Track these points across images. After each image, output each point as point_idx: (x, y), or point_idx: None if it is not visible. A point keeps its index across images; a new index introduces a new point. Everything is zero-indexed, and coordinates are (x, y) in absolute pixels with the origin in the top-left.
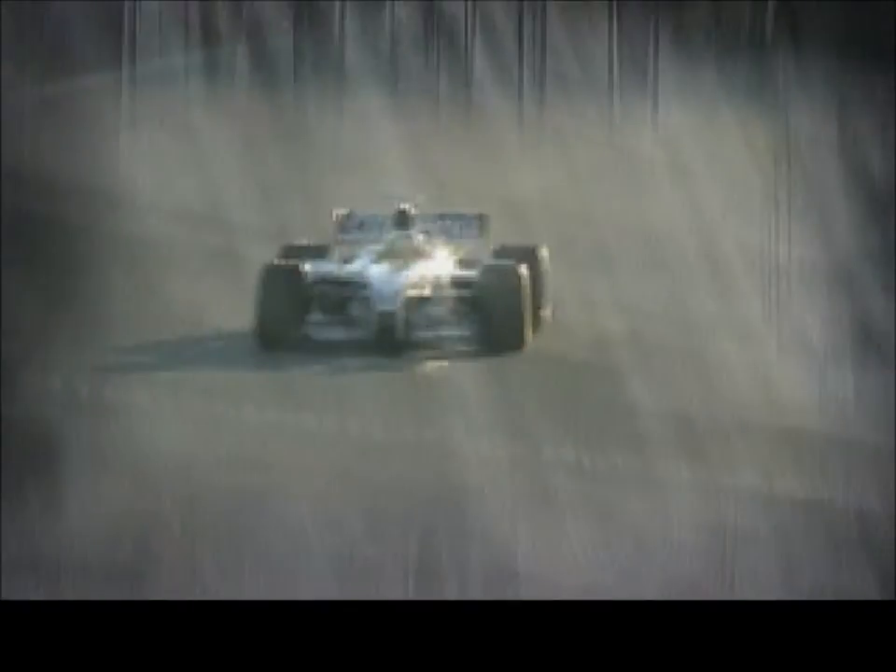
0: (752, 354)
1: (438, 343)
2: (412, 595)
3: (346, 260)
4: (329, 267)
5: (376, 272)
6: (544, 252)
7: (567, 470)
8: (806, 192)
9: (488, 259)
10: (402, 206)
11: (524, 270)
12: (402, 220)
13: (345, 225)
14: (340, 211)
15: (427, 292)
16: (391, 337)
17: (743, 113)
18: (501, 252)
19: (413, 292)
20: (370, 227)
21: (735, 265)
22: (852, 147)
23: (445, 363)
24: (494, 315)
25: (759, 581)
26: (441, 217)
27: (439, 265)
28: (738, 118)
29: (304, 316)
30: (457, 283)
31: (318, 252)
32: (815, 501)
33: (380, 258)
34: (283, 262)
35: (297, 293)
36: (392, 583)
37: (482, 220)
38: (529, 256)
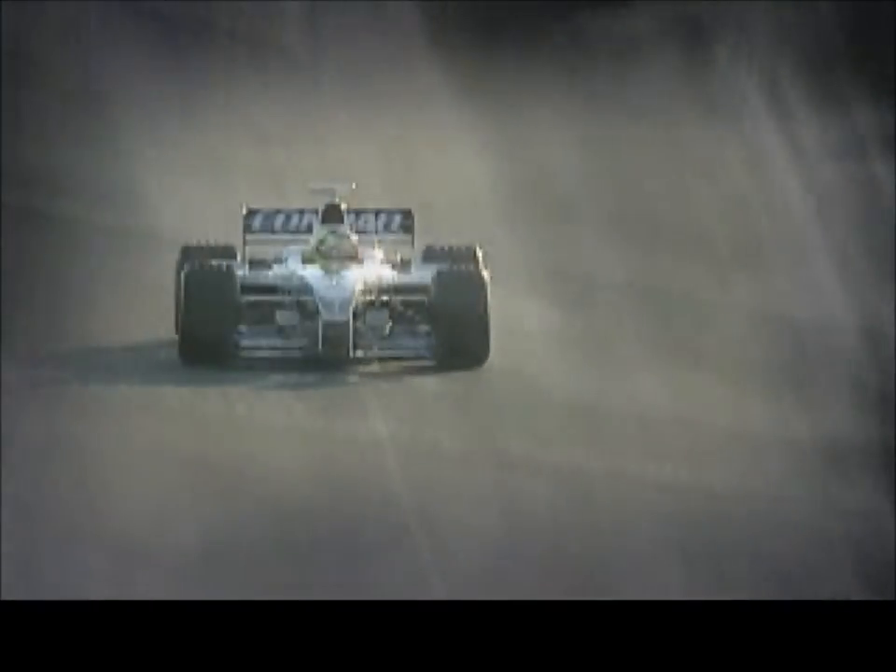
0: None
1: (389, 356)
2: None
3: (253, 262)
4: (262, 270)
5: (318, 276)
6: (480, 252)
7: None
8: None
9: (419, 261)
10: (333, 200)
11: (486, 274)
12: (333, 216)
13: (250, 223)
14: (245, 208)
15: (374, 299)
16: (341, 350)
17: None
18: (432, 252)
19: (360, 299)
20: (278, 224)
21: None
22: None
23: (411, 379)
24: (455, 325)
25: None
26: (362, 212)
27: (378, 267)
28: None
29: (235, 326)
30: (406, 288)
31: (225, 253)
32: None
33: (309, 259)
34: (212, 265)
35: (228, 300)
36: None
37: (406, 217)
38: (467, 257)
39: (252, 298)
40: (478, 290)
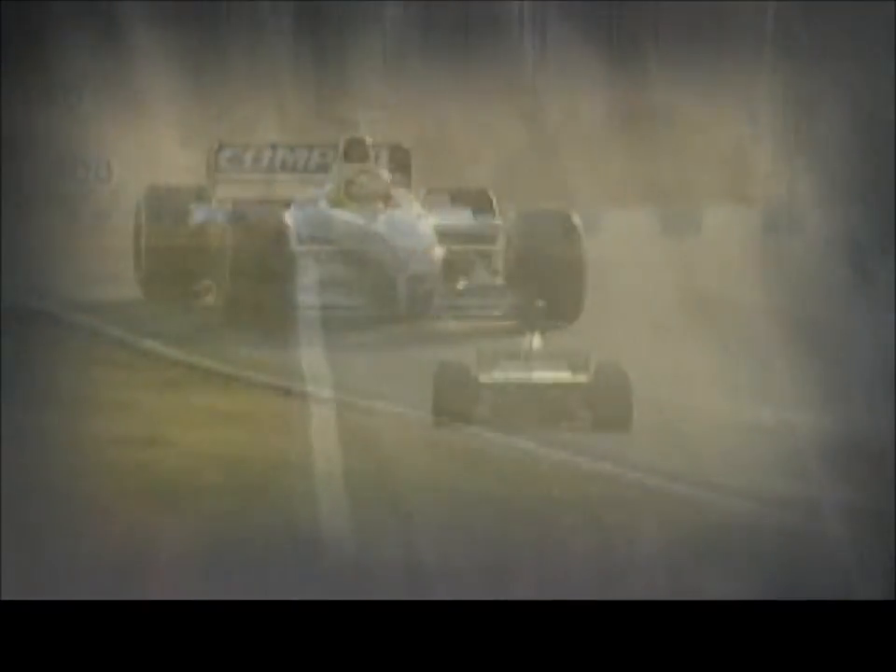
0: None
1: (467, 315)
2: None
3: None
4: (315, 214)
5: (387, 221)
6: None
7: None
8: None
9: (446, 205)
10: (357, 133)
11: (578, 219)
12: (358, 152)
13: (218, 160)
14: (215, 145)
15: (448, 248)
16: (423, 307)
17: None
18: (437, 195)
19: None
20: (248, 161)
21: None
22: None
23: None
24: (547, 278)
25: None
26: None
27: (420, 211)
28: None
29: (290, 282)
30: (477, 236)
31: (197, 194)
32: None
33: (336, 202)
34: (260, 210)
35: (283, 252)
36: None
37: (398, 152)
38: (481, 201)
39: (306, 248)
40: (572, 238)
